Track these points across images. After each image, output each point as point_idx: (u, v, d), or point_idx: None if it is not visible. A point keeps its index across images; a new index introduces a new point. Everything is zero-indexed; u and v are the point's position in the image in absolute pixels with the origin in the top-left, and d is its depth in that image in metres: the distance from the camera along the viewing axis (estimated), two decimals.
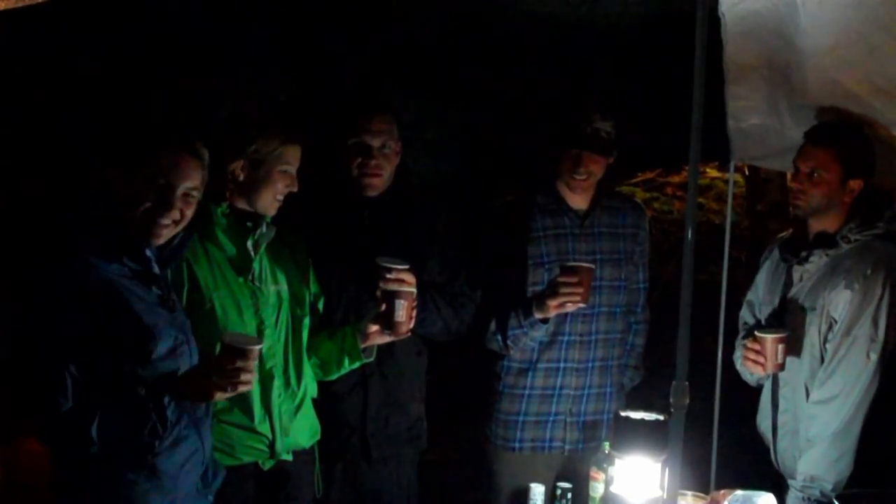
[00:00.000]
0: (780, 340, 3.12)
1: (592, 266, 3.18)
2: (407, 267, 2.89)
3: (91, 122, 3.43)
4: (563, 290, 3.12)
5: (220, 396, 2.44)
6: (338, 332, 2.95)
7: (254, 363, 2.40)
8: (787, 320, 3.18)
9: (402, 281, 2.88)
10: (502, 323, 3.32)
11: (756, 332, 3.17)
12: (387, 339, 2.92)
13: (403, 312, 2.82)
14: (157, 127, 2.62)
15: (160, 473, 2.43)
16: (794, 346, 3.14)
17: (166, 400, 2.39)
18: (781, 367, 3.14)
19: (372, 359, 2.99)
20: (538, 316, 3.24)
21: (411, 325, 2.87)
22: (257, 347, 2.44)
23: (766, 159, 4.00)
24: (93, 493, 2.42)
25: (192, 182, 2.50)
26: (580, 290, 3.12)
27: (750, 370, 3.24)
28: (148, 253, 2.50)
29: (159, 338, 2.44)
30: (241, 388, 2.41)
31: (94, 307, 2.37)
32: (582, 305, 3.17)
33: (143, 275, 2.48)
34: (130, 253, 2.45)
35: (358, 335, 2.93)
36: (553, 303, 3.16)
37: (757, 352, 3.14)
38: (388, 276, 2.87)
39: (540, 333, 3.31)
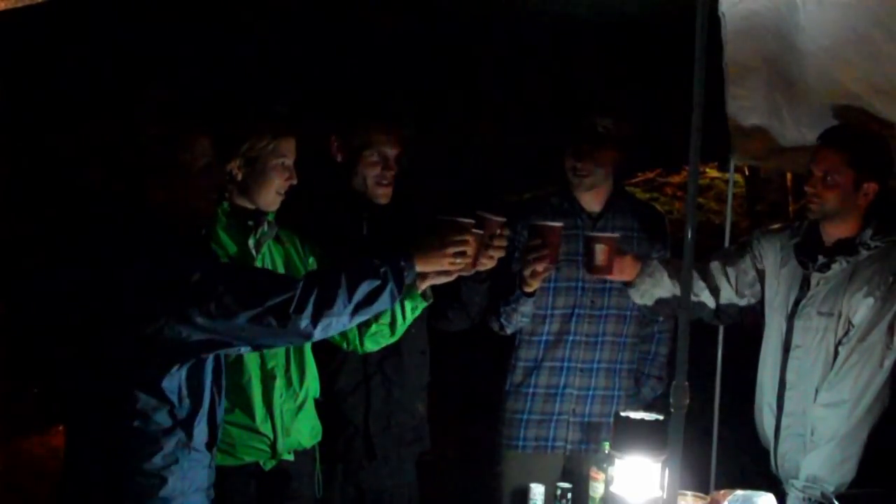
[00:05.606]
0: (604, 241, 3.08)
1: (559, 224, 3.12)
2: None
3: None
4: (529, 255, 3.11)
5: (449, 266, 2.66)
6: None
7: (471, 238, 2.67)
8: (801, 325, 3.13)
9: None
10: (495, 304, 3.33)
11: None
12: (444, 278, 2.81)
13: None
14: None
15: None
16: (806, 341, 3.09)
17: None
18: (602, 270, 3.10)
19: (431, 300, 2.92)
20: (525, 290, 3.24)
21: (479, 265, 2.80)
22: (469, 220, 2.69)
23: (766, 159, 4.00)
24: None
25: None
26: (545, 251, 3.09)
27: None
28: None
29: None
30: (460, 260, 2.66)
31: None
32: (552, 267, 3.16)
33: None
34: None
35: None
36: (526, 272, 3.15)
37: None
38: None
39: (527, 308, 3.31)
